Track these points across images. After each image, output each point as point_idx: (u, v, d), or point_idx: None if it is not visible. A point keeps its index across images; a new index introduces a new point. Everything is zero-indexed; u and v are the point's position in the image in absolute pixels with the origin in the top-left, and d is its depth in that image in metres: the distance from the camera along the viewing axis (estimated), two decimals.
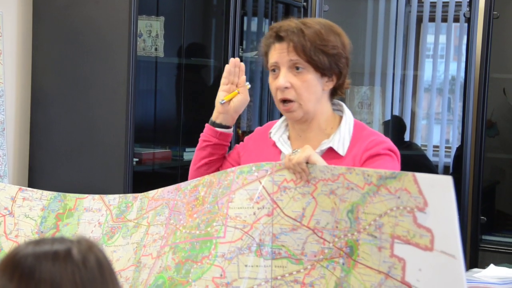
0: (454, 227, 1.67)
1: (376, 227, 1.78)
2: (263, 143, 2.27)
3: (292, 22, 2.13)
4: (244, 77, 2.28)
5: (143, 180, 3.46)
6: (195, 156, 2.37)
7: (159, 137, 3.94)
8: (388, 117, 4.98)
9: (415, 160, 4.81)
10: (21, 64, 3.51)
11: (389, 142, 2.16)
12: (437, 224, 1.69)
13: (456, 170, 4.55)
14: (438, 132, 5.42)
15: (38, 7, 3.51)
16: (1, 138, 3.39)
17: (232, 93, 2.28)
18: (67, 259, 1.21)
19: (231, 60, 2.29)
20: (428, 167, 4.80)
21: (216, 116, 2.31)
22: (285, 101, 2.14)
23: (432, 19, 5.42)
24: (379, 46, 5.20)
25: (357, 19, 5.07)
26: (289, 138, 2.23)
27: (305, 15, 4.35)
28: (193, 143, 3.86)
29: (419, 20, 5.41)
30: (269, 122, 2.34)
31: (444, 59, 5.45)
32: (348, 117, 2.20)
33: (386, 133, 4.89)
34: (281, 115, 2.27)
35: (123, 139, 3.28)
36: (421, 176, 1.73)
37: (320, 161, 1.93)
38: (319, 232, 1.87)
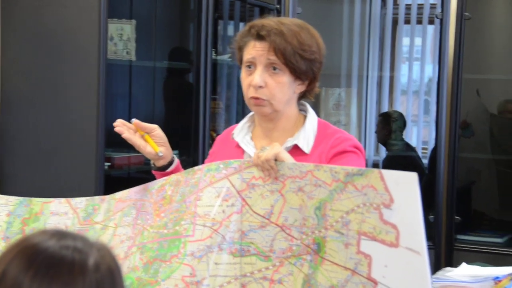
0: (419, 224, 1.68)
1: (343, 224, 1.79)
2: (226, 146, 2.28)
3: (272, 22, 2.11)
4: (135, 121, 2.23)
5: (116, 184, 3.44)
6: None
7: None
8: (364, 119, 5.00)
9: (409, 161, 4.84)
10: None
11: (354, 140, 2.17)
12: (403, 221, 1.70)
13: (431, 171, 4.57)
14: (415, 134, 5.45)
15: (5, 9, 3.48)
16: None
17: (149, 141, 2.23)
18: (83, 268, 1.19)
19: (118, 129, 2.24)
20: (421, 168, 4.84)
21: (156, 163, 2.26)
22: (256, 97, 2.14)
23: (407, 21, 5.45)
24: (355, 48, 5.23)
25: (330, 21, 5.08)
26: (252, 139, 2.23)
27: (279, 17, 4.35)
28: None
29: (395, 22, 5.44)
30: (228, 128, 2.35)
31: (420, 61, 5.49)
32: (312, 116, 2.21)
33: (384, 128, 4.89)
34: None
35: (94, 143, 3.26)
36: (387, 173, 1.74)
37: (289, 159, 1.93)
38: (287, 229, 1.88)
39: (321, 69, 2.18)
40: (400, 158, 4.94)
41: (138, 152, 3.71)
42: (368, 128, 5.14)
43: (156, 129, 2.23)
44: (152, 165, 2.28)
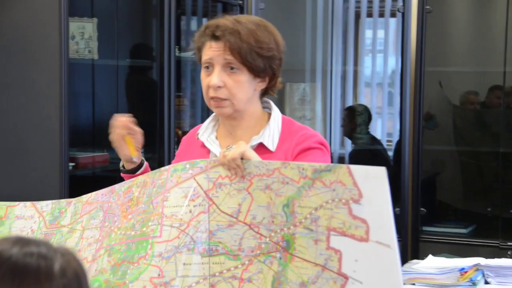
0: (389, 217, 1.70)
1: (312, 220, 1.80)
2: (191, 146, 2.28)
3: (228, 21, 2.11)
4: (131, 118, 2.25)
5: (81, 184, 3.41)
6: None
7: (97, 141, 3.90)
8: (329, 113, 5.02)
9: (375, 154, 4.87)
10: None
11: (318, 136, 2.18)
12: (372, 215, 1.71)
13: (396, 163, 4.61)
14: (380, 126, 5.49)
15: None
16: None
17: (129, 143, 2.24)
18: (49, 275, 1.17)
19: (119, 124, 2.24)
20: (387, 161, 4.86)
21: (127, 165, 2.27)
22: (216, 97, 2.14)
23: (370, 15, 5.48)
24: (319, 42, 5.24)
25: (293, 16, 5.09)
26: (217, 138, 2.23)
27: (241, 13, 4.34)
28: None
29: (357, 16, 5.47)
30: (193, 128, 2.35)
31: (383, 54, 5.52)
32: (276, 114, 2.21)
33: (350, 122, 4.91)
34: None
35: (57, 143, 3.23)
36: (355, 168, 1.75)
37: (255, 157, 1.93)
38: (255, 227, 1.88)
39: (282, 65, 2.18)
40: (366, 152, 4.97)
41: (102, 151, 3.73)
42: (333, 122, 5.15)
43: (139, 134, 2.24)
44: (122, 168, 2.27)
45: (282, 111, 3.95)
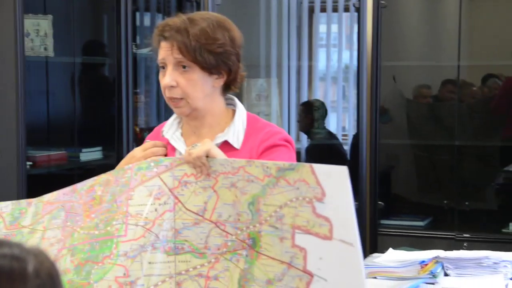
0: (351, 216, 1.72)
1: (277, 218, 1.80)
2: None
3: (178, 20, 2.10)
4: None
5: (39, 183, 3.37)
6: None
7: (54, 139, 3.85)
8: (287, 109, 5.03)
9: (332, 148, 4.89)
10: None
11: (284, 133, 2.18)
12: (335, 213, 1.73)
13: (353, 157, 4.64)
14: (335, 121, 5.52)
15: None
16: None
17: None
18: (23, 276, 1.16)
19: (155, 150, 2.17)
20: (343, 155, 4.89)
21: None
22: (171, 97, 2.13)
23: (323, 10, 5.51)
24: (273, 37, 5.25)
25: (250, 11, 5.09)
26: (182, 135, 2.22)
27: (198, 9, 4.32)
28: (90, 143, 3.83)
29: (311, 11, 5.49)
30: (157, 126, 2.33)
31: (337, 48, 5.55)
32: (241, 111, 2.21)
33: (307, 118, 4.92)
34: None
35: (14, 142, 3.19)
36: (318, 167, 1.76)
37: (220, 155, 1.93)
38: (221, 225, 1.87)
39: (239, 60, 2.16)
40: (323, 146, 5.00)
41: (59, 149, 3.68)
42: (290, 117, 5.17)
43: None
44: None
45: None
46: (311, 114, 4.97)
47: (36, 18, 3.57)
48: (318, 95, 5.37)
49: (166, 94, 2.13)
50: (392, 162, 4.83)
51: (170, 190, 1.92)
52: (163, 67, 2.13)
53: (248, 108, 4.70)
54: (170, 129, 2.23)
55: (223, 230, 1.87)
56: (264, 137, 2.13)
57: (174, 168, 1.94)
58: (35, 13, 3.59)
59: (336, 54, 5.57)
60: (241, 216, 1.85)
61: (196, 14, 2.16)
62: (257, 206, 1.83)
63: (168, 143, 2.21)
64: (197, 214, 1.90)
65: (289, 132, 5.17)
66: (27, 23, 3.46)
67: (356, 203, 4.37)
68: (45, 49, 3.60)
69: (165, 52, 2.10)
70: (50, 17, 3.63)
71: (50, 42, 3.59)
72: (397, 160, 4.86)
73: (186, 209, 1.91)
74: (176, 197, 1.92)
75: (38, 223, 2.11)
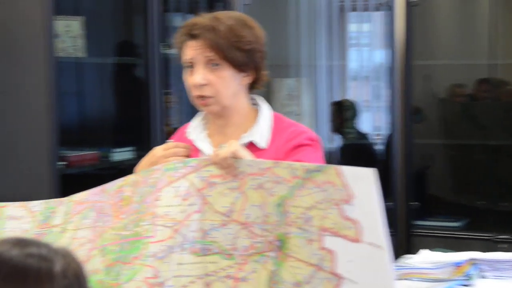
0: (379, 219, 1.71)
1: (305, 220, 1.79)
2: None
3: (205, 19, 2.11)
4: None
5: (72, 183, 3.40)
6: None
7: (87, 139, 3.88)
8: (317, 108, 5.01)
9: (363, 149, 4.86)
10: None
11: (310, 132, 2.18)
12: (363, 216, 1.72)
13: (387, 157, 4.61)
14: (367, 120, 5.48)
15: None
16: None
17: None
18: (50, 276, 1.18)
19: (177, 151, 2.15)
20: (374, 156, 4.86)
21: None
22: (201, 96, 2.13)
23: (354, 9, 5.47)
24: (304, 37, 5.23)
25: (278, 11, 5.07)
26: (208, 136, 2.22)
27: (227, 9, 4.32)
28: (122, 143, 3.85)
29: (342, 10, 5.45)
30: (180, 128, 2.34)
31: (369, 47, 5.51)
32: (266, 110, 2.21)
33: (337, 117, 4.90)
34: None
35: (47, 143, 3.22)
36: (344, 169, 1.75)
37: (247, 156, 1.92)
38: (249, 226, 1.87)
39: (264, 58, 2.18)
40: (354, 147, 4.96)
41: (91, 149, 3.71)
42: (321, 117, 5.15)
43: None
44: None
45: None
46: (342, 114, 4.95)
47: (67, 19, 3.60)
48: (350, 94, 5.33)
49: (195, 92, 2.13)
50: (427, 162, 4.79)
51: (197, 190, 1.92)
52: (190, 66, 2.13)
53: (279, 108, 4.71)
54: (195, 130, 2.23)
55: (251, 232, 1.86)
56: (289, 136, 2.13)
57: (201, 169, 1.93)
58: (66, 14, 3.62)
59: (368, 53, 5.53)
60: (268, 218, 1.84)
61: (220, 13, 2.17)
62: (285, 208, 1.82)
63: (193, 144, 2.21)
64: (224, 215, 1.89)
65: (320, 132, 5.13)
66: (58, 24, 3.50)
67: (390, 203, 4.34)
68: (76, 50, 3.63)
69: (194, 50, 2.10)
70: (81, 18, 3.66)
71: (81, 43, 3.62)
72: (432, 160, 4.82)
73: (214, 210, 1.90)
74: (203, 198, 1.91)
75: (68, 222, 2.12)
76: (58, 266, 1.18)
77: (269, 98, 4.78)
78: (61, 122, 3.34)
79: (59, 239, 2.10)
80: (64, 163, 3.42)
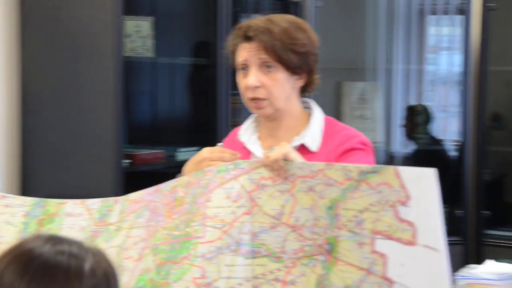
0: (437, 220, 1.68)
1: (356, 223, 1.77)
2: (232, 147, 2.24)
3: (259, 21, 2.11)
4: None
5: (137, 181, 3.45)
6: None
7: (154, 138, 3.93)
8: (390, 112, 4.94)
9: (435, 154, 4.77)
10: (9, 67, 3.50)
11: (362, 136, 2.16)
12: (420, 218, 1.69)
13: (459, 164, 4.51)
14: (445, 126, 5.36)
15: (25, 8, 3.50)
16: None
17: None
18: (79, 274, 1.19)
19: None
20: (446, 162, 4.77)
21: None
22: (254, 98, 2.13)
23: (433, 12, 5.37)
24: (381, 40, 5.15)
25: (353, 13, 5.01)
26: (259, 138, 2.21)
27: (297, 11, 4.29)
28: (190, 143, 3.88)
29: (421, 13, 5.36)
30: (232, 131, 2.33)
31: (447, 52, 5.40)
32: (317, 113, 2.19)
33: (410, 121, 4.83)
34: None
35: (113, 140, 3.28)
36: (403, 170, 1.72)
37: (298, 158, 1.91)
38: (298, 229, 1.85)
39: (317, 61, 2.17)
40: (426, 152, 4.87)
41: (159, 148, 3.75)
42: (394, 122, 5.07)
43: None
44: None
45: (339, 110, 3.90)
46: (415, 119, 4.86)
47: (137, 20, 3.65)
48: (426, 99, 5.23)
49: (249, 95, 2.13)
50: (505, 170, 4.65)
51: (247, 192, 1.92)
52: (243, 69, 2.13)
53: (349, 111, 4.65)
54: (246, 133, 2.23)
55: (300, 235, 1.85)
56: (341, 140, 2.11)
57: (252, 171, 1.93)
58: (136, 14, 3.68)
59: (446, 57, 5.42)
60: (318, 221, 1.83)
61: (274, 16, 2.17)
62: (336, 211, 1.80)
63: (244, 147, 2.20)
64: (274, 217, 1.88)
65: (393, 137, 5.06)
66: (129, 24, 3.56)
67: (460, 211, 4.24)
68: (146, 50, 3.68)
69: (248, 52, 2.11)
70: (151, 18, 3.70)
71: (150, 43, 3.67)
72: (510, 168, 4.68)
73: (264, 212, 1.89)
74: (253, 200, 1.91)
75: (123, 221, 2.15)
76: (87, 265, 1.19)
77: (339, 101, 4.73)
78: (131, 120, 3.40)
79: (114, 237, 2.14)
80: (129, 161, 3.46)
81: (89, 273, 1.19)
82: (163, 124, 4.03)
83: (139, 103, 3.91)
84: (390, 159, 4.67)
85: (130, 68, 3.47)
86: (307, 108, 2.22)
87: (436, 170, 1.67)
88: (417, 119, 4.86)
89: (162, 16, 3.84)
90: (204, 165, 2.04)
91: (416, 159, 4.83)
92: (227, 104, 3.80)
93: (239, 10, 4.31)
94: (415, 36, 5.26)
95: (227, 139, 2.33)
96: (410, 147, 5.07)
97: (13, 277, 1.16)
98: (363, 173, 1.76)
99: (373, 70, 5.08)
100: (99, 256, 1.23)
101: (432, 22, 5.38)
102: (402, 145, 5.06)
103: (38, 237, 1.22)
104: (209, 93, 3.83)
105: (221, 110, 3.78)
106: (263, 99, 2.11)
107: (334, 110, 4.51)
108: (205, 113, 3.84)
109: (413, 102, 5.18)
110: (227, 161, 2.04)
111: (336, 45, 4.25)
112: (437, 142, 4.93)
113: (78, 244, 1.23)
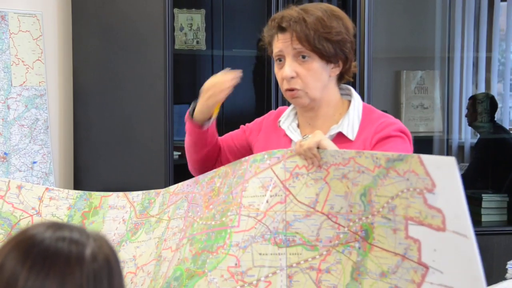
0: (463, 207, 1.66)
1: (389, 209, 1.76)
2: (273, 132, 2.25)
3: (293, 11, 2.10)
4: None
5: (187, 173, 3.47)
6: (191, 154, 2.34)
7: None
8: (451, 102, 4.83)
9: (499, 143, 4.66)
10: (62, 63, 3.58)
11: (399, 124, 2.12)
12: (447, 205, 1.68)
13: None
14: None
15: (76, 6, 3.57)
16: (45, 136, 3.48)
17: (218, 104, 2.26)
18: (80, 259, 1.20)
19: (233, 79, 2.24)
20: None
21: (198, 116, 2.27)
22: (290, 89, 2.12)
23: None
24: (447, 28, 5.03)
25: (420, 1, 4.92)
26: (298, 126, 2.20)
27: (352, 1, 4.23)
28: None
29: (491, 0, 5.23)
30: (275, 112, 2.31)
31: None
32: (357, 101, 2.16)
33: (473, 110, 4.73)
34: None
35: (162, 133, 3.30)
36: (426, 158, 1.72)
37: (331, 146, 1.90)
38: (333, 217, 1.84)
39: (353, 48, 2.15)
40: (489, 141, 4.75)
41: None
42: (456, 111, 4.95)
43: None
44: (190, 111, 2.29)
45: (398, 99, 3.82)
46: (478, 108, 4.75)
47: (189, 13, 3.67)
48: (494, 88, 5.10)
49: (285, 86, 2.12)
50: None
51: (281, 182, 1.92)
52: (280, 59, 2.13)
53: (407, 100, 4.56)
54: (286, 120, 2.21)
55: (335, 222, 1.84)
56: (378, 128, 2.08)
57: (286, 160, 1.93)
58: (188, 7, 3.70)
59: None
60: (353, 208, 1.82)
61: (308, 5, 2.16)
62: (369, 197, 1.79)
63: (285, 134, 2.19)
64: (308, 206, 1.87)
65: (453, 125, 4.94)
66: (181, 17, 3.59)
67: None
68: (198, 42, 3.70)
69: (283, 43, 2.10)
70: (203, 11, 3.72)
71: (202, 36, 3.69)
72: None
73: (298, 201, 1.89)
74: (287, 189, 1.90)
75: (164, 212, 2.18)
76: (88, 250, 1.19)
77: (397, 90, 4.65)
78: (181, 113, 3.41)
79: (155, 229, 2.18)
80: (179, 153, 3.48)
81: (90, 259, 1.19)
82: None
83: (189, 96, 3.93)
84: (449, 149, 4.57)
85: (180, 60, 3.49)
86: (347, 95, 2.19)
87: (455, 158, 1.68)
88: (480, 107, 4.74)
89: (212, 9, 3.85)
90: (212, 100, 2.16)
91: (478, 148, 4.72)
92: (276, 97, 3.78)
93: (293, 1, 4.29)
94: (484, 24, 5.14)
95: (268, 120, 2.30)
96: (473, 137, 4.96)
97: (14, 264, 1.17)
98: (391, 161, 1.76)
99: (431, 59, 4.97)
100: (100, 242, 1.23)
101: (503, 10, 5.25)
102: (463, 135, 4.96)
103: (40, 224, 1.24)
104: (265, 85, 3.81)
105: (277, 102, 3.76)
106: (299, 90, 2.10)
107: (392, 99, 4.43)
108: (259, 105, 3.83)
109: (479, 90, 5.06)
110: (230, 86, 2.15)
111: (394, 34, 4.18)
112: (502, 130, 4.80)
113: (80, 230, 1.24)
